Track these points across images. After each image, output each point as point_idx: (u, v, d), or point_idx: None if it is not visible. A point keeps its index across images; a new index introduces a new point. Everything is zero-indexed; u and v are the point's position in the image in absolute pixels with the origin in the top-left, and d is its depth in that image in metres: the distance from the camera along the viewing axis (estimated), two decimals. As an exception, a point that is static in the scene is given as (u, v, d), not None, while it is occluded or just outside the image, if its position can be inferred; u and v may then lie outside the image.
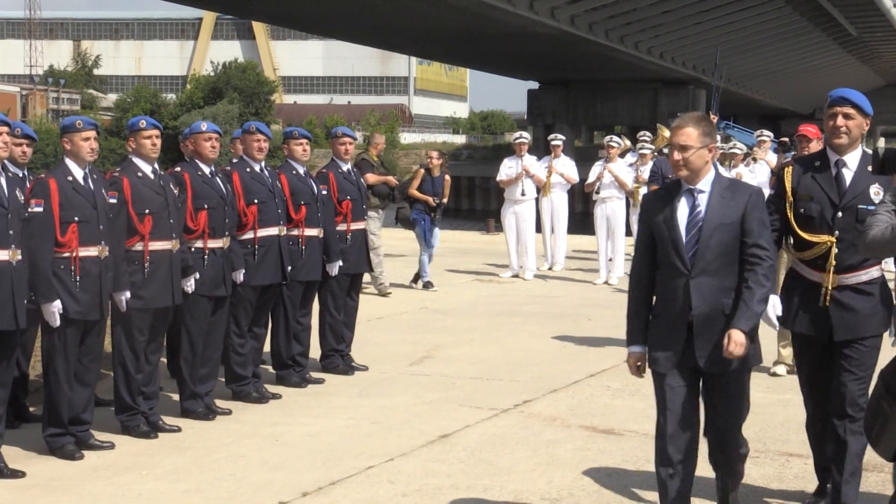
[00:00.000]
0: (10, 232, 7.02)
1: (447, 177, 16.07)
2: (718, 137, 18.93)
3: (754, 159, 16.99)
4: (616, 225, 16.65)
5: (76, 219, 7.43)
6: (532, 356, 11.08)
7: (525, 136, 17.57)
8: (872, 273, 6.23)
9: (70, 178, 7.50)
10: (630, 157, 17.85)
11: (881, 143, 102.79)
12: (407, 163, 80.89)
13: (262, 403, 9.10)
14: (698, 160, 5.59)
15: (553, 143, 17.67)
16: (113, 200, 7.76)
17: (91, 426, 7.82)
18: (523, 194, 16.88)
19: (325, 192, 9.94)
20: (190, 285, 8.37)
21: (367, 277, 12.73)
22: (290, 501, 6.67)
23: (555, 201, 17.59)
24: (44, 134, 58.48)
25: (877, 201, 5.93)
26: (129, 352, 8.07)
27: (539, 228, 17.70)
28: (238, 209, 8.91)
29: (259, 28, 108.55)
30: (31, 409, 8.50)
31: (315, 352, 10.24)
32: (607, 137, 17.64)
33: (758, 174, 16.21)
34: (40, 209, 7.30)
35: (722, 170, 14.76)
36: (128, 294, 7.89)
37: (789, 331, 6.56)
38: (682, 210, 5.64)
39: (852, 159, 6.18)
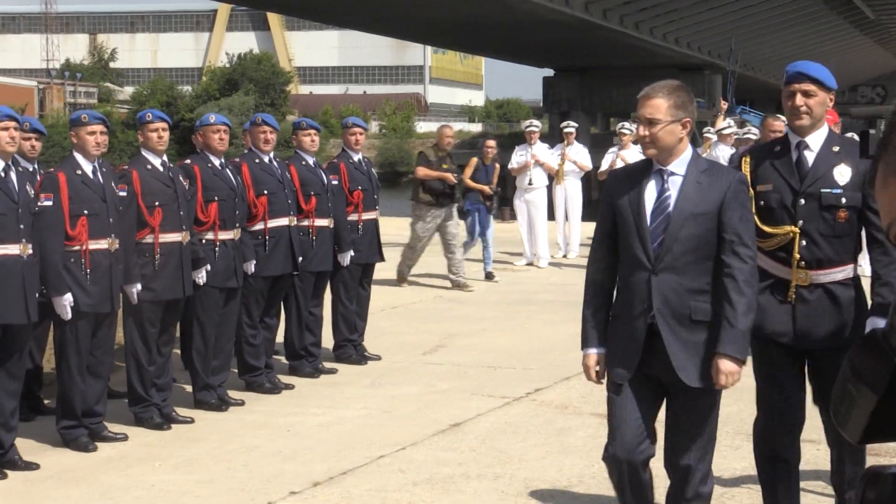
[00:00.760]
0: (21, 226, 7.05)
1: (497, 165, 15.82)
2: (731, 121, 18.88)
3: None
4: None
5: (85, 212, 7.47)
6: (545, 344, 11.07)
7: (536, 125, 17.53)
8: (848, 271, 5.48)
9: (79, 172, 7.53)
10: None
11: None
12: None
13: (274, 394, 9.13)
14: (668, 136, 4.85)
15: (566, 130, 17.65)
16: (123, 193, 7.79)
17: (104, 418, 7.86)
18: (531, 183, 16.82)
19: (335, 183, 9.96)
20: (201, 277, 8.40)
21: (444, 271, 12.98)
22: (301, 491, 6.70)
23: (568, 189, 17.55)
24: (61, 128, 58.67)
25: (842, 183, 5.37)
26: (140, 344, 8.11)
27: (553, 216, 17.67)
28: (248, 200, 8.93)
29: (274, 19, 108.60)
30: (46, 401, 8.54)
31: (328, 342, 10.27)
32: (620, 125, 17.59)
33: None
34: (50, 203, 7.33)
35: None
36: (139, 286, 7.92)
37: None
38: (650, 194, 4.90)
39: (815, 140, 5.45)
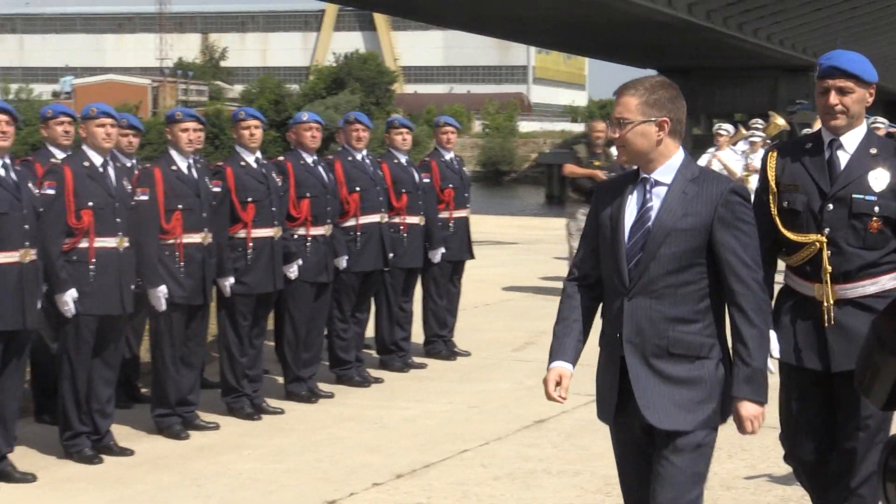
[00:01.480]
0: (118, 220, 7.21)
1: None
2: (728, 128, 18.15)
3: None
4: None
5: (180, 207, 7.60)
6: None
7: (726, 128, 17.25)
8: (885, 282, 4.82)
9: (174, 168, 7.67)
10: (742, 145, 17.52)
11: None
12: (525, 151, 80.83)
13: (364, 387, 9.21)
14: (638, 139, 4.08)
15: (718, 131, 17.23)
16: (217, 189, 7.92)
17: (197, 407, 7.98)
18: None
19: (427, 181, 10.00)
20: (293, 272, 8.49)
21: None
22: (384, 483, 6.74)
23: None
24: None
25: (877, 189, 4.77)
26: (233, 336, 8.23)
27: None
28: (340, 197, 9.01)
29: (380, 19, 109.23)
30: (143, 390, 8.70)
31: (418, 337, 10.33)
32: (716, 126, 17.35)
33: None
34: (146, 198, 7.47)
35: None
36: (231, 280, 8.05)
37: None
38: (631, 207, 4.15)
39: (851, 139, 4.85)
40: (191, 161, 7.76)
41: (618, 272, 4.10)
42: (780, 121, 13.07)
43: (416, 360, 10.01)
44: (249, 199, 8.11)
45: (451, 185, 10.31)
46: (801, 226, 4.85)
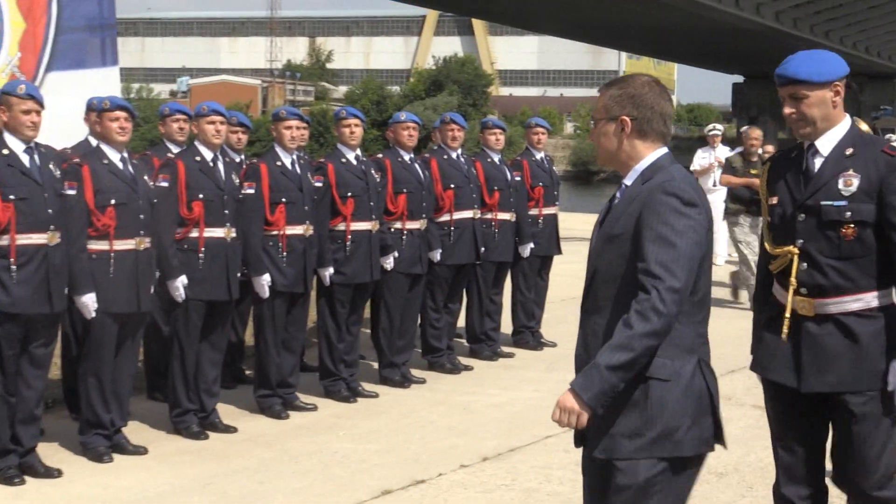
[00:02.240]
0: (226, 212, 7.31)
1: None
2: (720, 127, 17.67)
3: None
4: None
5: (283, 200, 7.68)
6: (716, 337, 10.85)
7: (718, 128, 17.11)
8: (869, 300, 4.19)
9: (279, 164, 7.74)
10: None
11: None
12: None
13: (454, 374, 9.23)
14: (603, 140, 3.68)
15: (711, 132, 17.00)
16: (318, 184, 7.98)
17: (296, 389, 8.06)
18: (715, 185, 16.47)
19: (518, 179, 9.98)
20: (389, 263, 8.53)
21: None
22: (470, 465, 6.75)
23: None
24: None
25: (847, 193, 4.18)
26: (331, 323, 8.29)
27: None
28: (435, 193, 9.03)
29: (478, 25, 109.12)
30: (247, 372, 8.81)
31: (507, 328, 10.32)
32: (709, 126, 17.27)
33: None
34: (252, 191, 7.56)
35: None
36: (331, 270, 8.11)
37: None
38: (604, 214, 3.75)
39: (826, 142, 4.26)
40: (294, 157, 7.83)
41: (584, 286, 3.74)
42: (864, 126, 12.68)
43: (505, 349, 10.00)
44: (349, 194, 8.16)
45: (541, 184, 10.27)
46: (781, 238, 4.33)
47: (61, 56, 8.13)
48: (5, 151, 6.22)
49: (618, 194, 3.69)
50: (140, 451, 6.92)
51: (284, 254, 7.70)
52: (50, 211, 6.29)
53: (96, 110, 7.02)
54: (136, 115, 7.05)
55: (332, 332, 8.29)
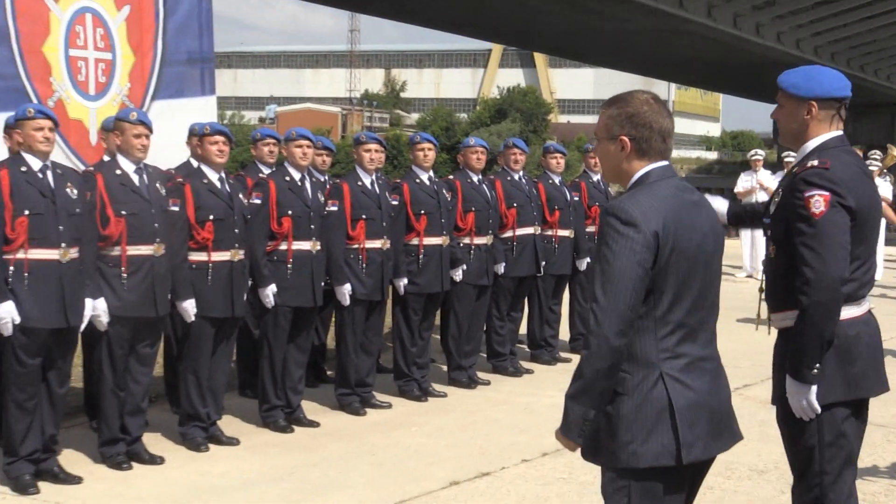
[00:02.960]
0: (312, 227, 7.38)
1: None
2: (762, 153, 17.38)
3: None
4: None
5: (364, 216, 7.73)
6: (756, 347, 10.75)
7: (759, 153, 16.95)
8: (790, 318, 3.87)
9: (360, 183, 7.80)
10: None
11: None
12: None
13: (516, 377, 9.22)
14: (605, 159, 3.45)
15: (753, 157, 16.88)
16: (395, 202, 8.03)
17: (373, 389, 8.10)
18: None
19: (576, 199, 9.97)
20: (458, 275, 8.56)
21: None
22: (531, 460, 6.75)
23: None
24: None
25: (772, 211, 3.94)
26: (405, 329, 8.33)
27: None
28: (500, 212, 9.05)
29: (539, 58, 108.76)
30: (328, 372, 8.86)
31: (565, 335, 10.29)
32: (752, 152, 17.09)
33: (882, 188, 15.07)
34: (335, 208, 7.63)
35: None
36: (405, 280, 8.15)
37: None
38: None
39: (794, 158, 3.99)
40: (374, 177, 7.89)
41: None
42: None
43: (563, 354, 9.96)
44: (422, 212, 8.20)
45: (597, 203, 10.22)
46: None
47: (165, 86, 8.25)
48: (118, 171, 6.36)
49: None
50: (233, 442, 7.01)
51: (364, 265, 7.75)
52: (156, 225, 6.41)
53: (198, 135, 7.12)
54: (234, 139, 7.15)
55: (405, 337, 8.33)
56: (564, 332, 10.28)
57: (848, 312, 3.86)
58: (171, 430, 7.14)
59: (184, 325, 6.85)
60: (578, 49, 54.52)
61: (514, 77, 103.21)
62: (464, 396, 8.52)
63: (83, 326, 6.14)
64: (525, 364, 9.55)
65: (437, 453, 6.89)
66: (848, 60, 53.15)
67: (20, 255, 5.83)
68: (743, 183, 16.53)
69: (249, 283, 7.11)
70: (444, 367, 9.02)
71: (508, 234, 9.16)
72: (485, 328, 9.18)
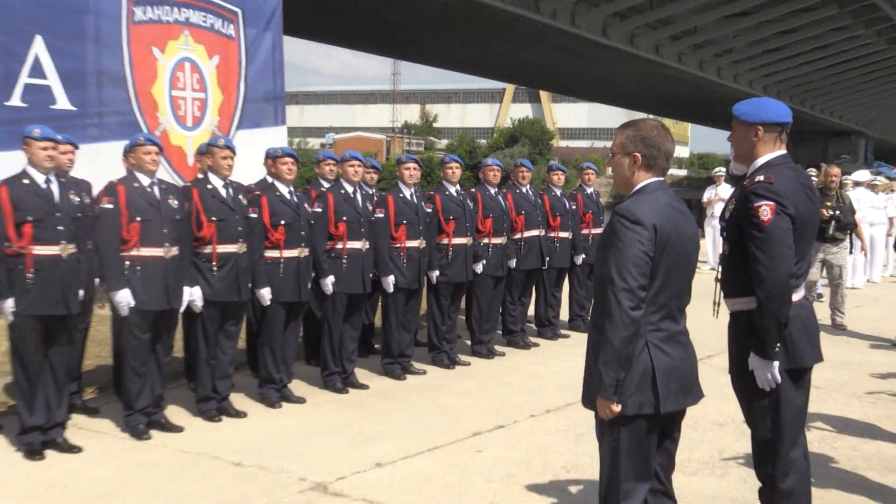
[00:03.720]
0: (362, 230, 7.39)
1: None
2: (868, 172, 17.40)
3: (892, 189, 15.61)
4: None
5: (404, 222, 7.71)
6: (716, 325, 10.65)
7: (721, 170, 16.81)
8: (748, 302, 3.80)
9: (401, 195, 7.78)
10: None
11: None
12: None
13: (526, 350, 9.17)
14: (619, 170, 3.49)
15: (716, 173, 16.74)
16: (429, 210, 8.01)
17: (411, 359, 8.08)
18: (713, 215, 16.22)
19: (574, 207, 9.93)
20: (479, 268, 8.52)
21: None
22: (537, 415, 6.73)
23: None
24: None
25: (726, 216, 3.88)
26: (437, 311, 8.31)
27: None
28: (511, 218, 9.01)
29: (544, 95, 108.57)
30: (375, 345, 8.86)
31: (564, 315, 10.22)
32: (716, 169, 16.96)
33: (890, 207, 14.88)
34: (382, 215, 7.61)
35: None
36: (437, 272, 8.11)
37: None
38: None
39: (749, 171, 3.87)
40: (412, 190, 7.88)
41: None
42: (835, 170, 12.06)
43: (564, 332, 9.93)
44: (451, 217, 8.18)
45: (590, 211, 10.19)
46: None
47: (246, 119, 8.28)
48: (209, 186, 6.39)
49: None
50: (301, 400, 7.02)
51: (404, 261, 7.73)
52: (239, 229, 6.44)
53: (272, 157, 7.14)
54: (300, 160, 7.15)
55: (437, 318, 8.32)
56: (564, 314, 10.22)
57: None
58: (252, 390, 7.17)
59: (261, 308, 6.86)
60: (574, 88, 54.47)
61: (523, 110, 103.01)
62: (483, 365, 8.49)
63: (182, 308, 6.19)
64: (533, 339, 9.51)
65: (462, 410, 6.88)
66: (790, 96, 52.76)
67: (133, 252, 5.88)
68: (708, 194, 16.46)
69: (313, 274, 7.11)
70: (468, 342, 8.99)
71: (518, 235, 9.12)
72: (500, 311, 9.13)
